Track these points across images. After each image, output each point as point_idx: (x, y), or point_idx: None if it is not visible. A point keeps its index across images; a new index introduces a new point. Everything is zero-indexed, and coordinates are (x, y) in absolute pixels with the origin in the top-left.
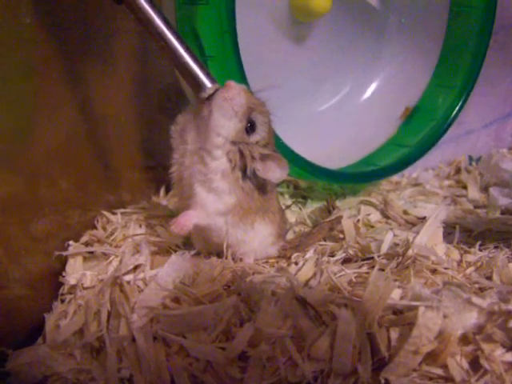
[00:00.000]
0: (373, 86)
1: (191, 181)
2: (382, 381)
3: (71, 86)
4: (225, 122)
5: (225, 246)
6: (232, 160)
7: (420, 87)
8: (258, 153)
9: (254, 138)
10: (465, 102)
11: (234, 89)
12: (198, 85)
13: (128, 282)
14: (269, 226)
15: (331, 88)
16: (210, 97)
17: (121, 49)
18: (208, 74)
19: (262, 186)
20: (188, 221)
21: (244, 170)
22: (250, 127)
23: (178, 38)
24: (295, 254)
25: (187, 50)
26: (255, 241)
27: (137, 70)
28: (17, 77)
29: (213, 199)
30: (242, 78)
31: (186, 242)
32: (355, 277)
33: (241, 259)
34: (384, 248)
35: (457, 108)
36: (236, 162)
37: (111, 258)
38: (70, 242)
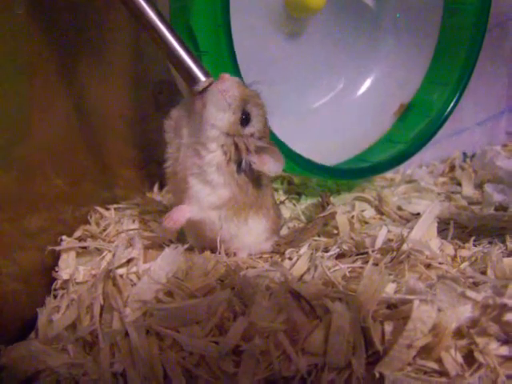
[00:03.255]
0: (367, 83)
1: (186, 174)
2: (377, 375)
3: (65, 81)
4: (219, 114)
5: (218, 240)
6: (227, 152)
7: (414, 84)
8: (254, 145)
9: (249, 130)
10: (459, 98)
11: (227, 81)
12: (191, 78)
13: (121, 276)
14: (263, 222)
15: (326, 84)
16: (204, 90)
17: (115, 44)
18: (201, 68)
19: (256, 180)
20: (181, 215)
21: (239, 163)
22: (245, 119)
23: (172, 31)
24: (289, 250)
25: (181, 43)
26: (249, 236)
27: (131, 64)
28: (9, 71)
29: (207, 192)
30: (236, 73)
31: (180, 237)
32: (349, 271)
33: (235, 254)
34: (378, 243)
35: (451, 105)
36: (231, 154)
37: (104, 253)
38: (63, 237)
